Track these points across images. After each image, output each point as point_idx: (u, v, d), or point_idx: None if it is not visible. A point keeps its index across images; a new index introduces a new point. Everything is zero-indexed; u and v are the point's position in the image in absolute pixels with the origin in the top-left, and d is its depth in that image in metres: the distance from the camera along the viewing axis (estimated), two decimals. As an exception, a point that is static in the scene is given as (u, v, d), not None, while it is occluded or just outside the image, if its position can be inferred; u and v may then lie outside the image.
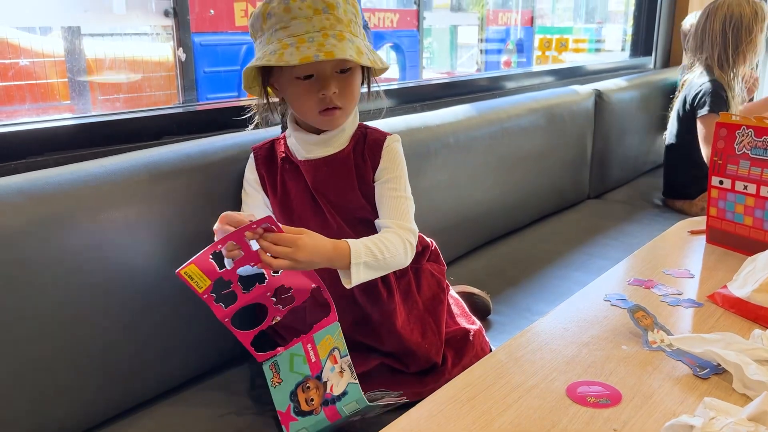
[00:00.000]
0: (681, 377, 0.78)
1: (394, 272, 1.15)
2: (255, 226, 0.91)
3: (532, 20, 7.09)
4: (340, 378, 0.92)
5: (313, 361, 0.95)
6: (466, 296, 1.51)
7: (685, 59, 2.39)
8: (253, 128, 1.25)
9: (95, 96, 3.50)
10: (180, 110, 1.43)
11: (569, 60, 6.95)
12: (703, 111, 2.11)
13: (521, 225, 2.07)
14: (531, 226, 2.10)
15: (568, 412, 0.71)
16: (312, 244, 0.96)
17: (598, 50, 7.73)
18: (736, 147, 1.14)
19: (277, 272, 0.98)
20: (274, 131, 1.33)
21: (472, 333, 1.22)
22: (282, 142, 1.17)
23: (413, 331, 1.15)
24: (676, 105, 2.29)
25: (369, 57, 1.01)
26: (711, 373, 0.78)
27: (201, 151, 1.20)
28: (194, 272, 0.91)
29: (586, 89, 2.32)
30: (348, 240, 1.02)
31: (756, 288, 0.92)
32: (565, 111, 2.16)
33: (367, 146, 1.13)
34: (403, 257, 1.08)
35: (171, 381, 1.16)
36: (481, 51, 6.64)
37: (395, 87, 1.91)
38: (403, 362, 1.15)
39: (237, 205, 1.18)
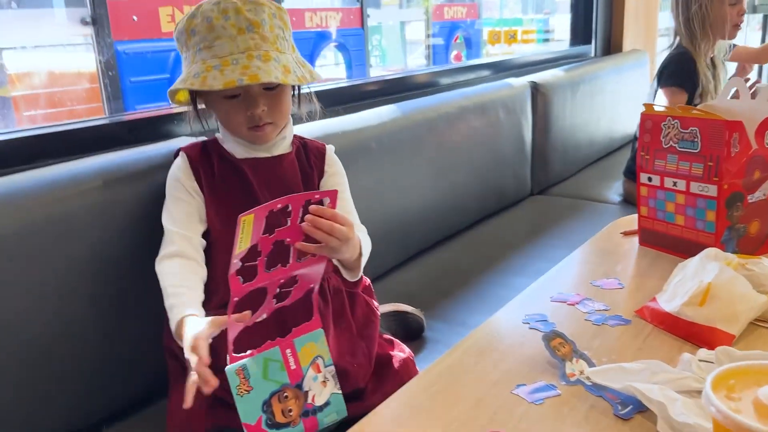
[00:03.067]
0: (600, 420, 0.67)
1: (329, 288, 1.10)
2: (318, 196, 0.84)
3: (478, 13, 7.04)
4: (323, 388, 0.84)
5: (292, 368, 0.83)
6: (398, 315, 1.40)
7: None
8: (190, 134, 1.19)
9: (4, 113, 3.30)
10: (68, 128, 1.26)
11: (518, 52, 6.91)
12: (666, 82, 2.00)
13: (460, 229, 1.96)
14: (471, 229, 1.99)
15: (465, 477, 0.60)
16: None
17: (546, 41, 7.72)
18: (663, 140, 1.04)
19: (300, 258, 0.87)
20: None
21: (396, 359, 1.11)
22: (215, 142, 1.10)
23: (343, 353, 1.06)
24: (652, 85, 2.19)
25: (297, 74, 0.99)
26: (635, 411, 0.67)
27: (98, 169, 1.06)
28: (248, 224, 0.78)
29: (521, 82, 2.22)
30: None
31: (685, 301, 0.81)
32: (500, 106, 2.06)
33: (311, 153, 1.13)
34: (367, 240, 1.09)
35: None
36: (427, 47, 6.56)
37: (314, 90, 1.77)
38: None
39: (136, 224, 1.05)
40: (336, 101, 1.77)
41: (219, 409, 0.97)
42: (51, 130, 1.23)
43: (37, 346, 0.99)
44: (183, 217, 1.03)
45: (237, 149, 1.08)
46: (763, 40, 5.26)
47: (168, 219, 1.03)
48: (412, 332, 1.41)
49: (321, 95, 1.77)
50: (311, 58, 5.24)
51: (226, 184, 1.06)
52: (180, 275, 0.98)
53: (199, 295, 0.97)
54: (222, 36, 0.95)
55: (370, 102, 1.83)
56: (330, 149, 1.17)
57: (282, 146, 1.10)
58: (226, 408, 0.96)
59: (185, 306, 0.92)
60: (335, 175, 1.15)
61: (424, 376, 0.77)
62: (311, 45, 5.26)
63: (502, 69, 2.52)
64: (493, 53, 7.11)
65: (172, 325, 0.92)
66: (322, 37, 5.36)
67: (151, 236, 1.05)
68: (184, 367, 1.02)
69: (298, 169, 1.11)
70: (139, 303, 1.11)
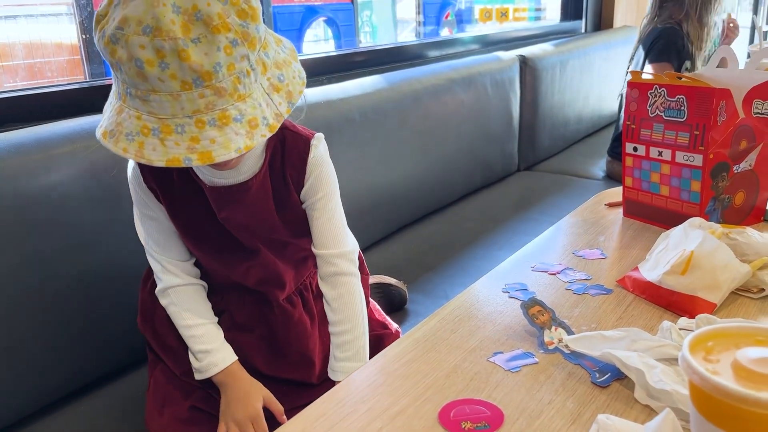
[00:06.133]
0: (577, 387, 0.65)
1: (313, 295, 1.06)
2: None
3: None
4: None
5: None
6: (382, 287, 1.39)
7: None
8: None
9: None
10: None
11: (509, 28, 6.84)
12: (655, 57, 1.99)
13: (445, 203, 1.94)
14: (456, 204, 1.98)
15: (438, 444, 0.58)
16: None
17: (538, 19, 7.63)
18: (649, 109, 1.01)
19: None
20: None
21: (385, 339, 1.10)
22: None
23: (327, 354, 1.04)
24: (635, 56, 2.16)
25: (269, 119, 0.73)
26: (612, 378, 0.66)
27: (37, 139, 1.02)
28: None
29: (509, 55, 2.19)
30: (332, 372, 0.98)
31: (667, 270, 0.80)
32: (487, 79, 2.03)
33: (288, 161, 0.91)
34: (359, 292, 0.99)
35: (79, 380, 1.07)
36: (418, 23, 6.47)
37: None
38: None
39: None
40: (320, 71, 1.74)
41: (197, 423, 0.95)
42: (18, 94, 1.19)
43: (6, 316, 0.96)
44: (158, 237, 0.94)
45: (196, 168, 0.89)
46: (753, 22, 5.24)
47: (147, 240, 0.94)
48: (394, 304, 1.40)
49: (304, 64, 1.75)
50: (299, 33, 5.16)
51: (188, 205, 0.91)
52: (186, 313, 0.95)
53: (217, 327, 0.98)
54: (159, 90, 0.68)
55: (356, 73, 1.80)
56: (315, 145, 0.93)
57: (251, 161, 0.89)
58: (208, 417, 0.95)
59: (218, 352, 0.95)
60: (313, 187, 0.94)
61: (399, 344, 0.75)
62: (299, 20, 5.18)
63: (491, 43, 2.48)
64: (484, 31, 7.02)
65: (209, 369, 0.94)
66: (311, 12, 5.28)
67: (123, 203, 1.02)
68: (163, 351, 1.01)
69: (271, 191, 0.92)
70: (110, 274, 1.08)
